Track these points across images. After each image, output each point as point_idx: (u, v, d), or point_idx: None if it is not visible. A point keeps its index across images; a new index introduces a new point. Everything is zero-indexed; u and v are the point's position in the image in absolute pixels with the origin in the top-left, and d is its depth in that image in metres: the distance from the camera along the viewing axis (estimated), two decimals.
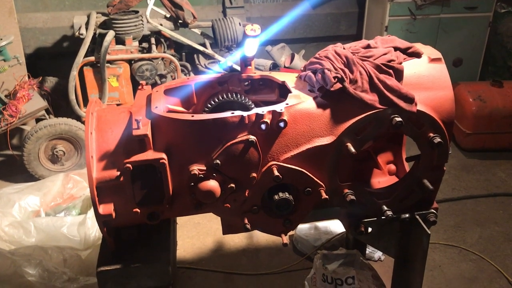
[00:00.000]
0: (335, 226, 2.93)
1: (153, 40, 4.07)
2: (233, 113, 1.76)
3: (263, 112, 1.76)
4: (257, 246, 2.99)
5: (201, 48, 4.05)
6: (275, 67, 4.36)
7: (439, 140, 1.86)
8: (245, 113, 1.75)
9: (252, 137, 1.75)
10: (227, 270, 2.78)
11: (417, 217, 2.05)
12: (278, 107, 1.78)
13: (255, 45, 1.95)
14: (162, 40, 4.20)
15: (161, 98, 1.92)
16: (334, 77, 1.79)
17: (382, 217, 2.00)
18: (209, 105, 1.98)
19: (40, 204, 3.00)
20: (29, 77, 3.94)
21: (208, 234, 3.09)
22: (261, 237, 3.02)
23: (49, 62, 4.58)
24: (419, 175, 1.99)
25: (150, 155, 1.73)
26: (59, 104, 4.17)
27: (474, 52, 4.83)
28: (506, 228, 3.23)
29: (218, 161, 1.75)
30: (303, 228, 2.91)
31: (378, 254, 2.90)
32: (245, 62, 2.07)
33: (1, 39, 3.58)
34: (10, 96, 3.75)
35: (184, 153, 1.77)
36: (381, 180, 2.34)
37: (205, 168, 1.77)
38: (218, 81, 2.11)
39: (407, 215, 2.05)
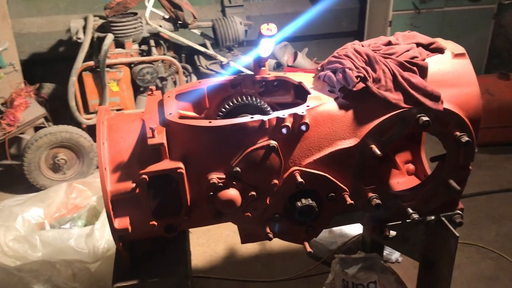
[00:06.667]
0: (350, 229, 2.84)
1: (152, 42, 3.96)
2: (252, 117, 1.67)
3: (284, 115, 1.67)
4: (270, 252, 2.90)
5: (202, 49, 3.95)
6: (279, 66, 4.27)
7: (467, 139, 1.79)
8: (265, 117, 1.66)
9: (273, 142, 1.67)
10: (242, 278, 2.69)
11: (443, 219, 1.98)
12: (299, 110, 1.69)
13: (270, 46, 1.86)
14: (162, 42, 4.09)
15: (174, 103, 1.83)
16: (357, 77, 1.71)
17: (408, 220, 1.92)
18: (223, 110, 1.89)
19: (44, 216, 2.89)
20: (25, 84, 3.81)
21: (219, 241, 3.00)
22: (273, 243, 2.91)
23: (45, 67, 4.46)
24: (445, 176, 1.91)
25: (166, 164, 1.64)
26: (57, 111, 4.05)
27: (479, 45, 4.77)
28: None
29: (238, 169, 1.66)
30: None
31: (395, 255, 2.82)
32: (259, 63, 1.98)
33: None
34: (6, 105, 3.63)
35: (202, 161, 1.68)
36: (400, 180, 2.26)
37: (224, 176, 1.68)
38: (231, 83, 2.02)
39: (432, 217, 1.98)
